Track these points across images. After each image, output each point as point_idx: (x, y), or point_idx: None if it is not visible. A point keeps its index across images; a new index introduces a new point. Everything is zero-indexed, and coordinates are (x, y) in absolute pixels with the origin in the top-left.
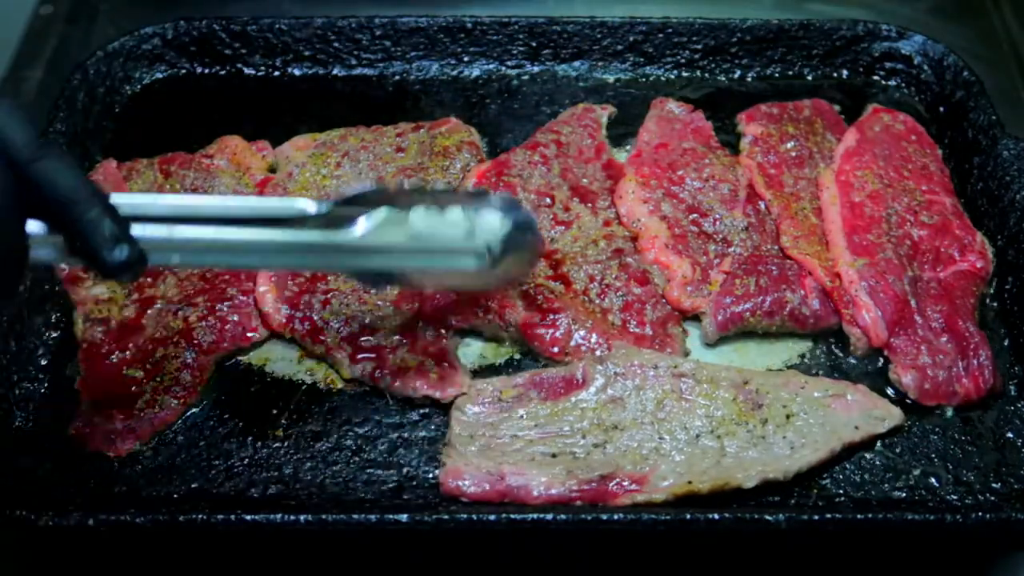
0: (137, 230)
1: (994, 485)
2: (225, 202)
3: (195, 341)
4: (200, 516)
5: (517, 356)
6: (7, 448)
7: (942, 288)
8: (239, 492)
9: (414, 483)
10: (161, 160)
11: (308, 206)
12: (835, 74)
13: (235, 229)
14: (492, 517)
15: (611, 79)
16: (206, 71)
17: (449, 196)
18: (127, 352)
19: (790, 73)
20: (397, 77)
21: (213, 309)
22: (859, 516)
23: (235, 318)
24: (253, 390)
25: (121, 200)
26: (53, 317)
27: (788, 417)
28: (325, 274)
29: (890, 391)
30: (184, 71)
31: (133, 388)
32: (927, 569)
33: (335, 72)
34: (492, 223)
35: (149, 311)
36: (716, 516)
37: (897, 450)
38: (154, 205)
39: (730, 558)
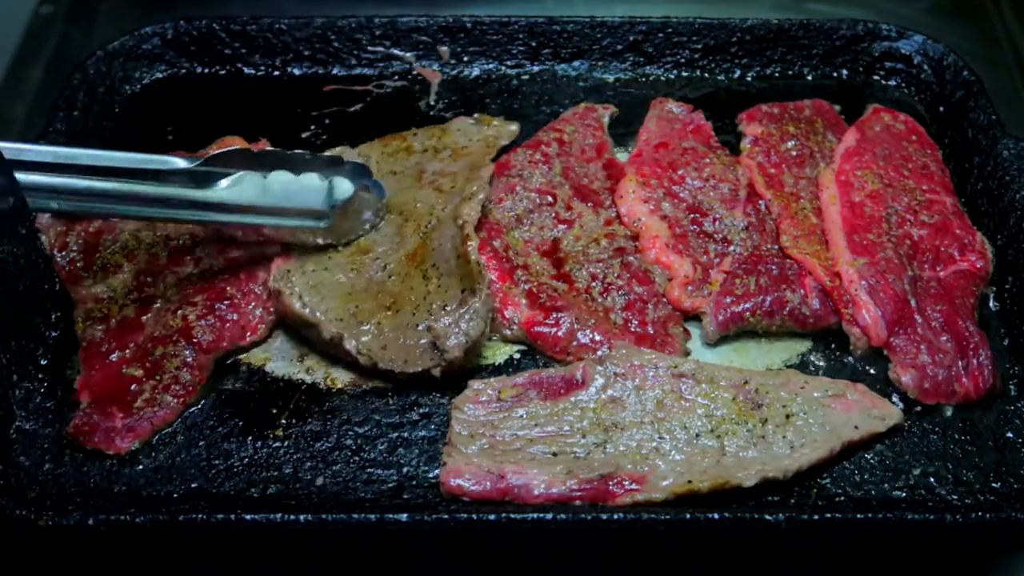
0: (19, 176)
1: (994, 485)
2: (101, 155)
3: (195, 340)
4: (200, 516)
5: (517, 356)
6: (7, 448)
7: (942, 287)
8: (239, 492)
9: (414, 483)
10: None
11: (177, 162)
12: (835, 74)
13: (110, 180)
14: (492, 517)
15: (611, 79)
16: (206, 71)
17: (306, 162)
18: (127, 351)
19: (790, 73)
20: (397, 77)
21: (212, 308)
22: (859, 516)
23: (234, 317)
24: (253, 390)
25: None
26: (53, 317)
27: (788, 417)
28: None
29: (890, 391)
30: (184, 71)
31: (133, 387)
32: (927, 569)
33: (335, 72)
34: (342, 187)
35: (149, 310)
36: (716, 516)
37: (897, 450)
38: (33, 151)
39: (730, 558)
